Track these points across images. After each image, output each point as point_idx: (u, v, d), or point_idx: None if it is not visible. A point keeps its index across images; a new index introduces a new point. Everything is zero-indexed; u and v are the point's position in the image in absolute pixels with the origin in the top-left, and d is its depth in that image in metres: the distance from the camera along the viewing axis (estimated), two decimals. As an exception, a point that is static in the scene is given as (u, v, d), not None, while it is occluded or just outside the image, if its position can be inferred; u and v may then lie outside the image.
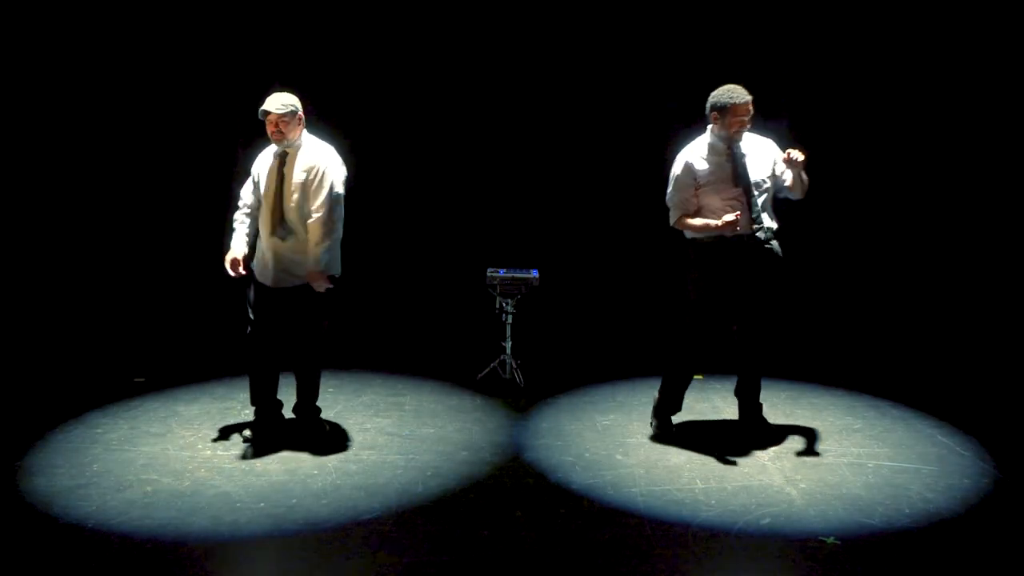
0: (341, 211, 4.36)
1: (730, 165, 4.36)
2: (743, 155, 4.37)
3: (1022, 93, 6.54)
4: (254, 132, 4.54)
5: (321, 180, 4.29)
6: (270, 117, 4.26)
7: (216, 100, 6.83)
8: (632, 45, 6.93)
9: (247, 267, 4.41)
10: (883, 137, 6.92)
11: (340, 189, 4.34)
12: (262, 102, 4.29)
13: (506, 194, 7.12)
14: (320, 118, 4.98)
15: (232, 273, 4.38)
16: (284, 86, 4.45)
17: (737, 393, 4.76)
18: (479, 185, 7.16)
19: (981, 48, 6.59)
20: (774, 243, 4.46)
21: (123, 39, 6.73)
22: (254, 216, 4.52)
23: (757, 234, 4.37)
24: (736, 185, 4.34)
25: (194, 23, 6.78)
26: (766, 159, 4.45)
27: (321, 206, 4.28)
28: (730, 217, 4.19)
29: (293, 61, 6.68)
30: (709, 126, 4.43)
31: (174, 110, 6.88)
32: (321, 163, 4.32)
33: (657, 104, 6.78)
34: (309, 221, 4.30)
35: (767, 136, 4.53)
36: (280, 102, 4.28)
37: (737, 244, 4.35)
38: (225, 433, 4.64)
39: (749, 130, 4.39)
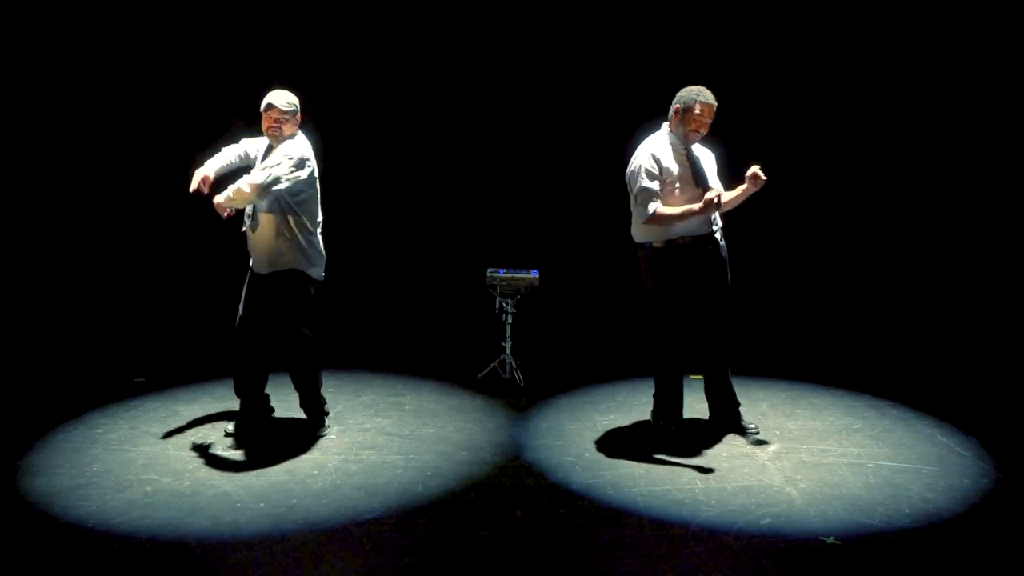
0: (271, 190, 4.19)
1: (690, 165, 4.37)
2: (696, 157, 4.41)
3: None
4: (252, 133, 4.54)
5: (277, 159, 4.24)
6: (272, 112, 4.26)
7: (214, 101, 6.83)
8: (634, 46, 6.93)
9: (211, 188, 4.32)
10: (883, 138, 6.93)
11: (281, 176, 4.20)
12: (262, 97, 4.28)
13: (506, 194, 7.13)
14: (320, 118, 4.98)
15: (193, 184, 4.29)
16: (283, 84, 4.44)
17: (707, 392, 4.73)
18: (479, 185, 7.16)
19: (980, 44, 6.61)
20: (722, 242, 4.49)
21: (121, 40, 6.73)
22: (234, 159, 4.50)
23: (715, 235, 4.40)
24: (698, 185, 4.34)
25: (194, 23, 6.79)
26: (711, 164, 4.51)
27: (260, 166, 4.23)
28: (711, 195, 4.12)
29: (294, 59, 6.68)
30: (665, 125, 4.43)
31: (172, 111, 6.88)
32: (284, 151, 4.26)
33: (658, 105, 6.78)
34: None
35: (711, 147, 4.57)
36: (285, 99, 4.28)
37: (692, 246, 4.35)
38: (225, 433, 4.63)
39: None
